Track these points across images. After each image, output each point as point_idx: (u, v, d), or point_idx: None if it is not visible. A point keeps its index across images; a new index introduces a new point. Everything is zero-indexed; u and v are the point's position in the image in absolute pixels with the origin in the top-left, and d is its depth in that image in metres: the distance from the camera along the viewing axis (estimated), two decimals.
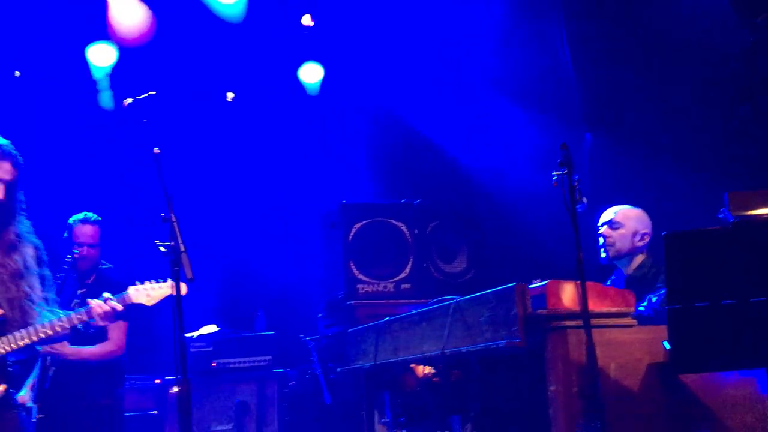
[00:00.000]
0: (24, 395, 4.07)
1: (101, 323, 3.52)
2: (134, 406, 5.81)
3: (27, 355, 3.56)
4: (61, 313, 3.47)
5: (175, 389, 5.86)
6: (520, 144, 5.67)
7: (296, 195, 6.95)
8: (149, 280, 3.65)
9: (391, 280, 5.25)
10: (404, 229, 5.36)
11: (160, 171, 2.95)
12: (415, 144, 6.37)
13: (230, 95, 7.34)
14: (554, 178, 2.85)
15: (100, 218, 4.85)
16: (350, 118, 6.81)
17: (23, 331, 3.28)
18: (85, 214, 4.80)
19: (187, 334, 6.17)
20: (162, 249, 2.79)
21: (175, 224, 2.84)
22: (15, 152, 3.36)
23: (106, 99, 6.71)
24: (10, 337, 3.26)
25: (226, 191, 7.10)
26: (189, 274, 2.79)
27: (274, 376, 5.92)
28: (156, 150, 2.99)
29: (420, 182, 6.17)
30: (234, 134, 7.03)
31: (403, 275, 5.28)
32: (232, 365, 6.00)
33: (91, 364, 4.69)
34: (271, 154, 7.02)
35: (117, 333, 4.75)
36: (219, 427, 5.86)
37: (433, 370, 3.88)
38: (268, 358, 5.97)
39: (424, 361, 3.70)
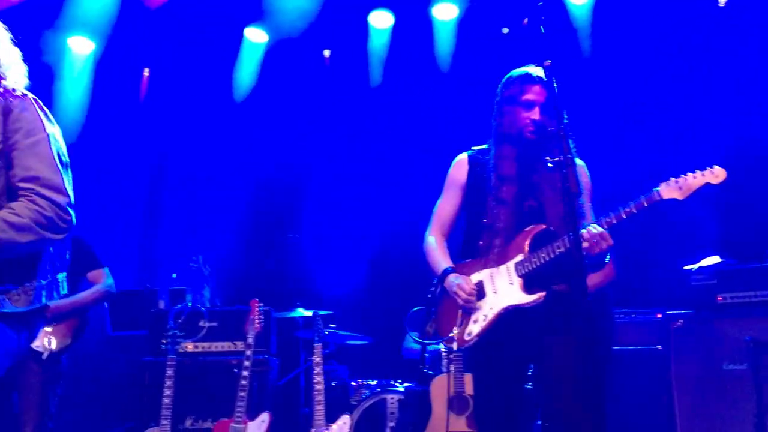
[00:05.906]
0: None
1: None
2: (635, 340, 5.82)
3: None
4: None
5: (680, 322, 5.69)
6: None
7: None
8: (682, 174, 3.15)
9: None
10: None
11: (552, 82, 2.88)
12: None
13: None
14: None
15: None
16: None
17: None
18: None
19: (686, 267, 5.87)
20: (549, 165, 2.71)
21: (563, 137, 2.72)
22: None
23: None
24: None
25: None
26: (574, 188, 2.63)
27: None
28: (547, 62, 2.91)
29: None
30: None
31: None
32: (741, 299, 5.49)
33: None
34: None
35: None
36: (732, 366, 5.41)
37: None
38: None
39: None
